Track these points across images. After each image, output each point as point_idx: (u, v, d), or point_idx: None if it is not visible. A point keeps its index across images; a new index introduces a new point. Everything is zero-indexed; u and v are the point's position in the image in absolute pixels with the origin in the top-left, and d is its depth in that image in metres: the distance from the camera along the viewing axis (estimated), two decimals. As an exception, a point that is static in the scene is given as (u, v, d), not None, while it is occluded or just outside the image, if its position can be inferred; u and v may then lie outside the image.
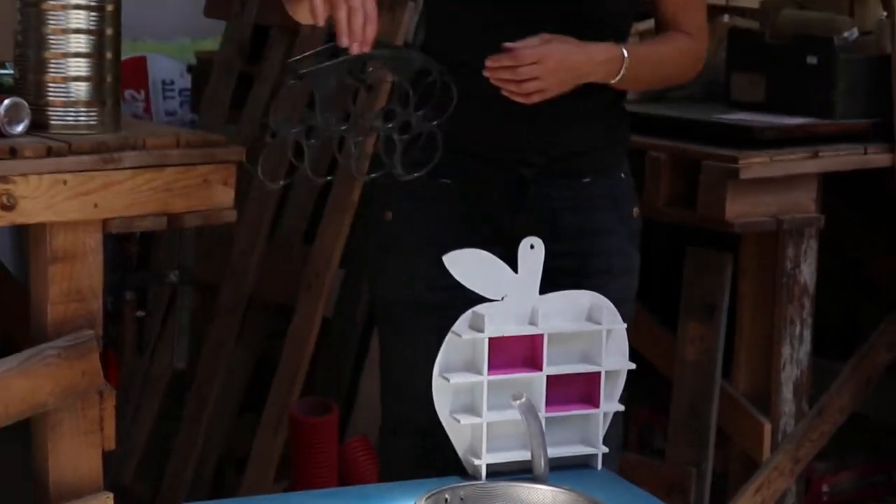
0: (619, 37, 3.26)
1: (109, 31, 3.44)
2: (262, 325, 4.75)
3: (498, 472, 3.07)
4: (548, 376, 3.11)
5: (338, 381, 4.58)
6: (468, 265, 3.09)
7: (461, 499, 3.01)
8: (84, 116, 3.42)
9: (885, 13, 4.40)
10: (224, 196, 3.46)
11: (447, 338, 3.08)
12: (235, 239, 4.71)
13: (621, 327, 3.16)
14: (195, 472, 4.72)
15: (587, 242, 3.33)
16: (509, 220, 3.30)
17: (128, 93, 6.22)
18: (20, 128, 3.34)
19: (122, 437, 4.75)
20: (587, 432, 3.18)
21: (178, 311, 3.75)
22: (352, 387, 4.55)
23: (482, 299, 3.10)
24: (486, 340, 3.07)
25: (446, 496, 3.03)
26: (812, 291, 4.32)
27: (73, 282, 3.35)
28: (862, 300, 4.92)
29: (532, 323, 3.10)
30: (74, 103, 3.42)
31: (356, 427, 4.47)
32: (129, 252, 3.66)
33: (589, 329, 3.15)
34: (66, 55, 3.41)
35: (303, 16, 3.09)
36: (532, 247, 3.09)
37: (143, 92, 6.30)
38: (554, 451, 3.10)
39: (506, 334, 3.09)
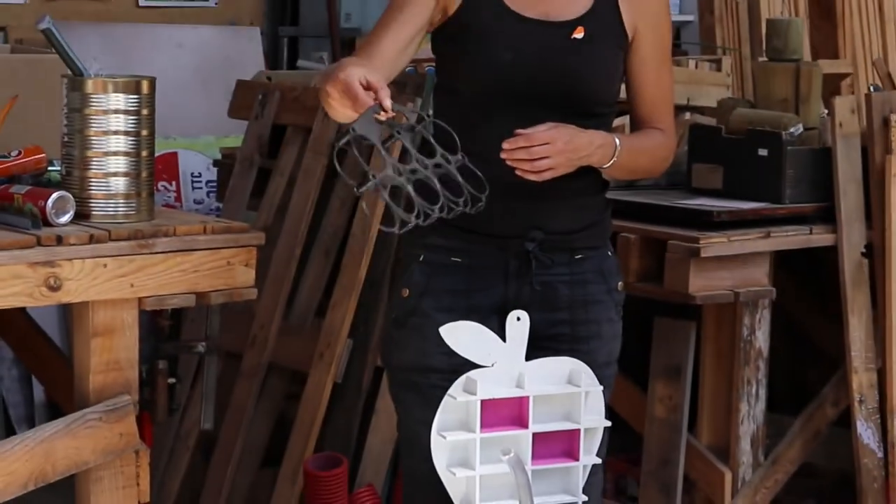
0: (608, 124, 3.33)
1: (145, 133, 3.47)
2: (279, 389, 4.75)
3: None
4: (533, 433, 3.13)
5: (347, 438, 4.57)
6: (462, 336, 3.11)
7: None
8: (122, 207, 3.44)
9: (825, 111, 4.42)
10: (246, 276, 3.48)
11: (444, 399, 3.10)
12: (256, 313, 4.72)
13: (598, 389, 3.18)
14: (226, 520, 4.72)
15: (580, 311, 3.33)
16: (514, 292, 3.30)
17: (161, 184, 6.21)
18: (66, 218, 3.36)
19: (155, 489, 4.75)
20: (569, 483, 3.19)
21: (205, 377, 3.74)
22: (359, 443, 4.54)
23: (473, 364, 3.14)
24: (479, 402, 3.09)
25: None
26: (766, 355, 4.32)
27: (112, 353, 3.37)
28: (809, 363, 4.92)
29: (519, 386, 3.12)
30: (114, 196, 3.44)
31: (363, 478, 4.46)
32: (162, 325, 3.66)
33: (569, 391, 3.18)
34: (107, 154, 3.43)
35: (338, 117, 3.11)
36: (518, 318, 3.13)
37: (174, 183, 6.29)
38: (539, 500, 3.11)
39: (496, 397, 3.11)
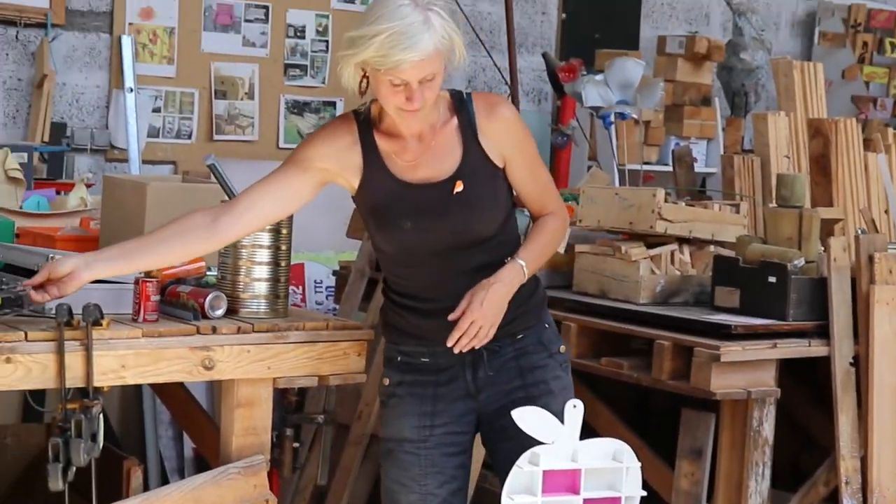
0: (507, 236, 3.29)
1: (283, 248, 3.52)
2: (378, 455, 4.73)
3: None
4: (584, 499, 3.11)
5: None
6: (531, 418, 3.11)
7: None
8: (264, 306, 3.49)
9: (822, 249, 4.42)
10: (357, 364, 3.51)
11: (513, 470, 3.09)
12: (363, 393, 4.73)
13: (636, 465, 3.17)
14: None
15: (529, 377, 3.32)
16: (471, 378, 3.29)
17: (290, 288, 6.27)
18: (219, 312, 3.41)
19: (278, 531, 4.76)
20: None
21: (322, 443, 3.75)
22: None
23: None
24: (541, 472, 3.08)
25: None
26: (771, 443, 4.28)
27: (251, 421, 3.41)
28: (806, 450, 4.88)
29: (573, 460, 3.12)
30: (257, 297, 3.48)
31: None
32: (290, 400, 3.68)
33: (613, 466, 3.17)
34: (254, 263, 3.48)
35: None
36: (574, 406, 3.11)
37: (300, 287, 6.35)
38: None
39: (555, 468, 3.10)
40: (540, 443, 3.14)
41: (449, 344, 3.13)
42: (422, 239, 3.19)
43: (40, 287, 3.05)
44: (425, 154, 3.19)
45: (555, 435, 3.15)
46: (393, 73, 3.02)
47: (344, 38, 3.09)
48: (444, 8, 3.12)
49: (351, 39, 3.05)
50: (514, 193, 3.33)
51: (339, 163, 3.19)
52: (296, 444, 3.62)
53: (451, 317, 3.12)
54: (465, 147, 3.20)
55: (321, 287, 6.36)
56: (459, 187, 3.18)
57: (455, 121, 3.21)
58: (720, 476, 4.38)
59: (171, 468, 5.80)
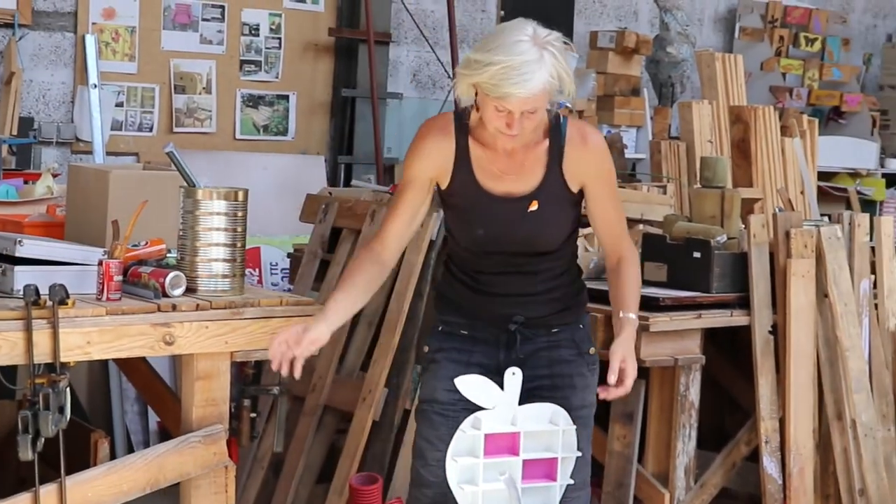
0: (567, 250, 3.35)
1: (239, 230, 3.48)
2: (332, 425, 4.74)
3: None
4: (523, 460, 3.15)
5: (382, 462, 4.55)
6: (472, 385, 3.14)
7: None
8: (221, 284, 3.45)
9: (743, 226, 4.44)
10: (311, 337, 3.46)
11: (456, 433, 3.11)
12: (316, 367, 4.72)
13: (571, 429, 3.21)
14: (289, 523, 4.70)
15: (556, 369, 3.34)
16: (504, 358, 3.32)
17: (247, 270, 6.24)
18: (179, 291, 3.38)
19: (238, 496, 4.73)
20: (549, 498, 3.22)
21: (278, 414, 3.73)
22: (391, 466, 4.53)
23: (475, 408, 3.15)
24: (483, 436, 3.10)
25: None
26: (697, 406, 4.31)
27: (210, 393, 3.38)
28: (729, 411, 4.91)
29: (513, 424, 3.14)
30: (215, 276, 3.45)
31: (394, 493, 4.44)
32: (246, 373, 3.66)
33: (550, 429, 3.17)
34: (211, 244, 3.45)
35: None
36: (513, 374, 3.14)
37: (257, 270, 6.31)
38: None
39: (496, 432, 3.11)
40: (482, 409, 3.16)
41: (603, 396, 3.20)
42: (490, 242, 3.26)
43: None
44: (511, 169, 3.22)
45: (495, 401, 3.16)
46: (499, 102, 3.05)
47: (463, 58, 3.17)
48: (559, 48, 3.09)
49: (468, 61, 3.09)
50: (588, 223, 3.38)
51: (438, 168, 3.26)
52: (253, 415, 3.58)
53: (610, 380, 3.16)
54: (548, 169, 3.23)
55: (276, 269, 6.33)
56: (534, 206, 3.23)
57: (546, 143, 3.23)
58: (650, 438, 4.41)
59: (137, 441, 5.77)
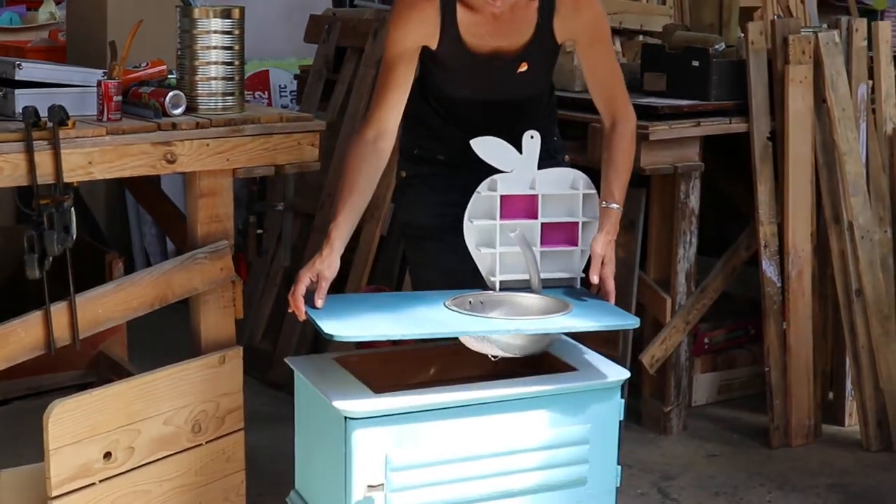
0: (545, 102, 3.26)
1: (237, 47, 3.37)
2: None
3: (510, 290, 3.05)
4: (542, 223, 3.06)
5: (390, 274, 4.54)
6: (489, 147, 3.03)
7: (481, 302, 3.01)
8: (221, 102, 3.36)
9: (742, 34, 4.33)
10: (311, 153, 3.39)
11: (473, 196, 3.03)
12: (324, 185, 4.66)
13: (592, 192, 3.10)
14: (300, 335, 4.69)
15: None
16: (477, 180, 3.13)
17: (256, 93, 6.15)
18: (179, 110, 3.29)
19: (252, 312, 4.74)
20: (569, 264, 3.12)
21: (283, 229, 3.68)
22: (399, 279, 4.51)
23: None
24: (499, 197, 3.02)
25: (469, 300, 3.00)
26: (697, 213, 4.27)
27: (214, 209, 3.31)
28: (729, 218, 4.86)
29: (532, 188, 3.04)
30: (214, 94, 3.35)
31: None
32: (252, 190, 3.59)
33: (570, 193, 3.08)
34: (209, 63, 3.34)
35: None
36: (532, 136, 3.04)
37: (266, 93, 6.23)
38: (545, 275, 3.05)
39: (512, 193, 3.03)
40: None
41: (593, 280, 3.01)
42: (475, 96, 3.15)
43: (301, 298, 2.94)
44: (499, 31, 3.07)
45: (513, 164, 3.05)
46: None
47: None
48: None
49: None
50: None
51: (425, 36, 3.07)
52: (259, 231, 3.54)
53: (592, 279, 3.01)
54: (538, 29, 3.08)
55: (285, 91, 6.25)
56: (524, 68, 3.10)
57: (537, 2, 3.07)
58: (652, 245, 4.38)
59: (156, 263, 5.74)
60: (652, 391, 4.42)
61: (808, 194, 4.26)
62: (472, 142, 3.02)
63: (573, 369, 3.00)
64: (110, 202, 5.95)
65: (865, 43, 4.34)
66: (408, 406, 2.78)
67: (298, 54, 6.13)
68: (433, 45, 3.09)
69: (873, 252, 4.28)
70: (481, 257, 3.06)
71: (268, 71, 6.20)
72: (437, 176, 3.26)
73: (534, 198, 3.04)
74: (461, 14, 3.06)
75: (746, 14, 4.78)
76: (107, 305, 3.16)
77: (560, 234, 3.09)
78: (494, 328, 2.88)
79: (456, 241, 3.12)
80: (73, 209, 3.04)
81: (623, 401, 2.98)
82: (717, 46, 4.21)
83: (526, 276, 3.03)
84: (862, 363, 4.28)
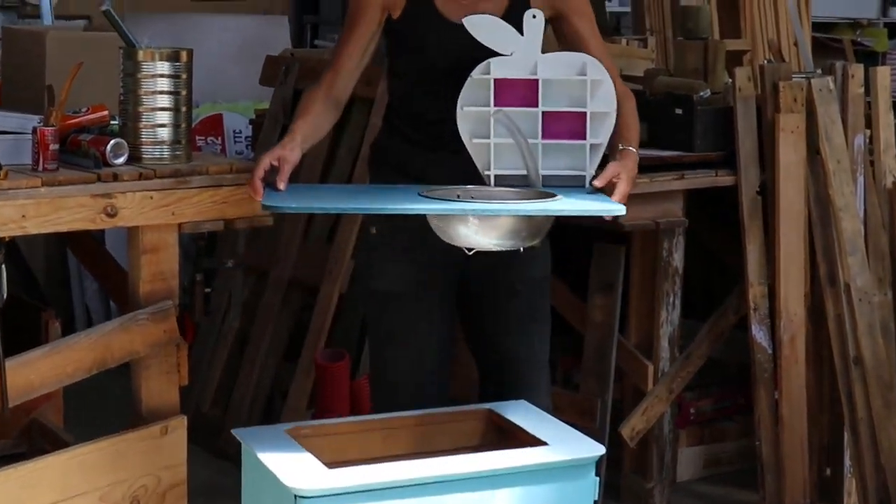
0: None
1: (184, 93, 3.40)
2: (298, 299, 4.73)
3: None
4: (543, 113, 2.99)
5: (349, 337, 4.56)
6: (485, 26, 2.98)
7: (471, 197, 2.93)
8: (166, 151, 3.38)
9: (729, 80, 4.39)
10: (264, 207, 3.42)
11: (467, 81, 2.97)
12: (280, 238, 4.69)
13: (606, 79, 3.02)
14: (252, 401, 4.71)
15: None
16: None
17: (209, 139, 6.19)
18: (121, 160, 3.31)
19: (201, 376, 4.75)
20: (576, 160, 3.05)
21: (233, 287, 3.72)
22: (359, 341, 4.53)
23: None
24: (492, 80, 2.96)
25: (458, 193, 2.94)
26: (681, 272, 4.30)
27: (158, 267, 3.32)
28: (715, 278, 4.90)
29: (533, 74, 2.97)
30: (160, 143, 3.38)
31: (363, 369, 4.45)
32: (200, 245, 3.63)
33: (577, 79, 3.00)
34: (154, 109, 3.37)
35: None
36: (534, 16, 2.99)
37: (220, 138, 6.26)
38: (549, 172, 2.99)
39: (507, 77, 2.95)
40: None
41: (597, 184, 3.01)
42: (443, 77, 3.11)
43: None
44: None
45: (513, 46, 2.99)
46: None
47: None
48: None
49: None
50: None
51: None
52: (207, 290, 3.57)
53: (595, 183, 3.00)
54: None
55: (240, 137, 6.28)
56: None
57: None
58: (632, 307, 4.41)
59: (99, 320, 5.76)
60: (633, 466, 4.44)
61: (802, 253, 4.30)
62: (465, 20, 2.98)
63: (543, 444, 3.02)
64: (49, 253, 5.97)
65: (862, 90, 4.40)
66: (365, 483, 2.79)
67: (254, 97, 6.17)
68: (398, 9, 3.15)
69: (872, 316, 4.32)
70: (477, 150, 3.00)
71: (221, 115, 6.23)
72: (411, 231, 3.18)
73: (534, 83, 2.96)
74: None
75: (734, 58, 4.84)
76: (40, 370, 3.17)
77: (565, 125, 3.01)
78: (457, 209, 2.83)
79: (427, 310, 3.18)
80: (2, 266, 3.07)
81: (598, 478, 2.99)
82: (701, 93, 4.27)
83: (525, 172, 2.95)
84: (861, 437, 4.30)
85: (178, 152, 3.40)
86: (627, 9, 7.07)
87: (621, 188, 3.02)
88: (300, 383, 4.51)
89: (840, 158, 4.30)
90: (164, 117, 3.38)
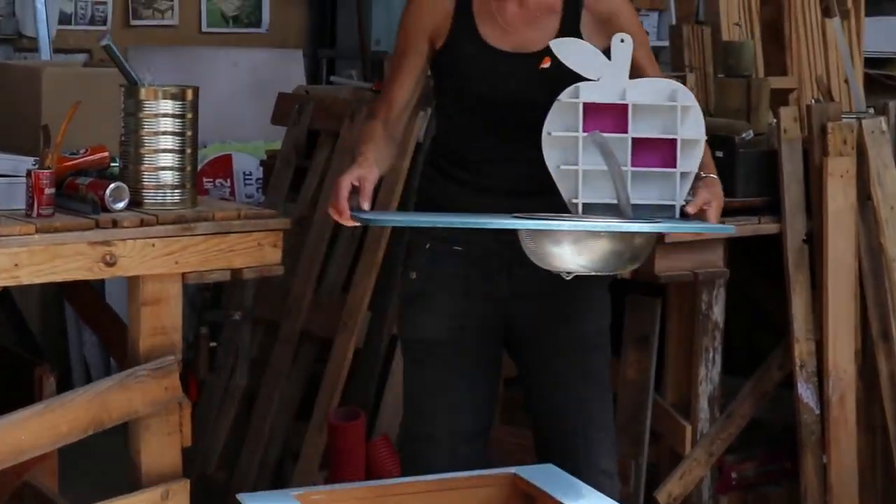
0: None
1: (189, 133, 3.41)
2: (310, 354, 4.70)
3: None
4: (633, 139, 3.03)
5: (366, 395, 4.52)
6: (572, 51, 3.02)
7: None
8: (169, 196, 3.39)
9: (773, 120, 4.36)
10: (273, 255, 3.41)
11: (554, 104, 3.01)
12: (292, 289, 4.67)
13: (695, 106, 3.09)
14: (261, 463, 4.67)
15: (563, 288, 3.18)
16: (506, 276, 3.22)
17: (218, 181, 6.19)
18: (121, 205, 3.31)
19: (206, 436, 4.71)
20: (666, 189, 3.09)
21: (240, 342, 3.69)
22: (377, 399, 4.50)
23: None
24: (581, 105, 3.00)
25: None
26: (721, 326, 4.26)
27: (159, 320, 3.32)
28: (759, 332, 4.85)
29: (622, 99, 3.02)
30: (162, 187, 3.38)
31: (380, 430, 4.41)
32: (205, 296, 3.60)
33: (667, 104, 3.06)
34: (157, 151, 3.38)
35: None
36: (622, 41, 3.03)
37: (229, 180, 6.29)
38: (639, 201, 3.03)
39: (596, 101, 3.01)
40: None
41: (690, 210, 3.05)
42: (494, 108, 3.16)
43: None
44: (521, 19, 3.16)
45: (600, 70, 3.04)
46: None
47: None
48: None
49: None
50: None
51: (435, 23, 3.21)
52: (212, 344, 3.54)
53: (688, 210, 3.05)
54: (564, 18, 3.16)
55: (251, 179, 6.30)
56: (546, 64, 3.13)
57: None
58: (669, 364, 4.37)
59: (98, 376, 5.74)
60: (670, 534, 4.39)
61: (852, 306, 4.27)
62: (551, 43, 3.03)
63: (573, 512, 2.97)
64: (46, 302, 5.95)
65: (917, 132, 4.38)
66: (379, 556, 2.75)
67: (266, 136, 6.18)
68: (441, 39, 3.19)
69: (928, 374, 4.28)
70: (563, 178, 3.02)
71: (230, 155, 6.26)
72: (455, 276, 3.24)
73: (623, 108, 3.01)
74: (477, 4, 3.18)
75: (779, 97, 4.79)
76: (32, 430, 3.16)
77: (654, 152, 3.06)
78: (560, 227, 2.88)
79: (470, 364, 3.18)
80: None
81: (632, 549, 2.95)
82: (744, 135, 4.24)
83: (615, 201, 3.00)
84: (916, 505, 4.26)
85: (182, 197, 3.39)
86: (665, 43, 7.05)
87: (712, 215, 3.10)
88: (312, 444, 4.48)
89: (893, 205, 4.27)
90: (168, 160, 3.38)
